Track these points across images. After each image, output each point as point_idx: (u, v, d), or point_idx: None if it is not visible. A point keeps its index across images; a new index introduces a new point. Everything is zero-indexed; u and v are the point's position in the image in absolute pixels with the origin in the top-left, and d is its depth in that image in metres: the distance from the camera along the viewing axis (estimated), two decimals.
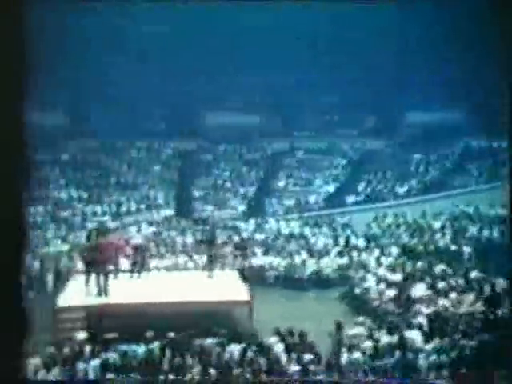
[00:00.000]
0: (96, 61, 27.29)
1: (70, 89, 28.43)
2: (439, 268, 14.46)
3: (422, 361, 9.35)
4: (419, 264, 15.12)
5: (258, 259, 17.69)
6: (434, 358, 9.36)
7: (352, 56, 27.59)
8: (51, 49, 20.79)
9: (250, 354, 9.65)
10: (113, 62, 27.69)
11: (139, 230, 20.25)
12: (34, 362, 8.94)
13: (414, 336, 9.98)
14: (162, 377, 9.14)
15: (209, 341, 10.17)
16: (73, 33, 24.68)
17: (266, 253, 18.36)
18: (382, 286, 13.65)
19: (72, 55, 25.14)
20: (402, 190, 26.38)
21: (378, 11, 26.35)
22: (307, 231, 21.00)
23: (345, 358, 9.58)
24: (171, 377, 9.15)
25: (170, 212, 24.37)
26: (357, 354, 9.60)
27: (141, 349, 9.82)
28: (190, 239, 19.56)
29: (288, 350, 9.83)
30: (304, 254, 17.86)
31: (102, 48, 26.47)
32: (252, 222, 22.74)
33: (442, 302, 11.82)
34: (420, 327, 10.44)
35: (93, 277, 12.30)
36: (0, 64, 2.37)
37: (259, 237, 20.38)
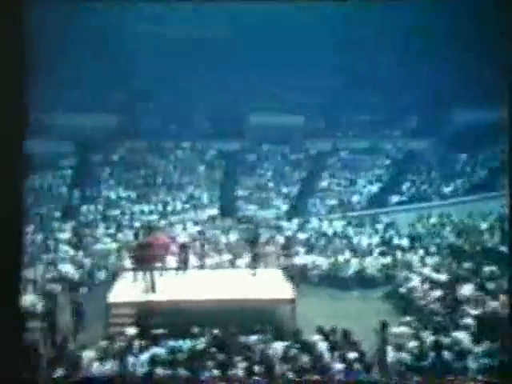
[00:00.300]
0: (134, 62, 27.87)
1: (120, 92, 29.29)
2: (487, 269, 14.17)
3: (469, 362, 9.24)
4: (466, 264, 14.87)
5: (302, 258, 17.77)
6: (481, 360, 9.23)
7: (395, 56, 27.24)
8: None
9: (293, 351, 9.76)
10: (149, 63, 28.21)
11: (185, 229, 20.68)
12: (89, 354, 9.37)
13: (461, 337, 9.87)
14: (207, 373, 9.34)
15: (253, 338, 10.33)
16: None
17: (309, 252, 18.42)
18: (428, 285, 13.50)
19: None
20: (447, 189, 25.87)
21: None
22: (350, 231, 20.93)
23: (390, 357, 9.57)
24: (217, 372, 9.34)
25: (214, 211, 24.72)
26: (402, 354, 9.57)
27: (187, 344, 10.07)
28: (233, 238, 19.82)
29: (331, 348, 9.88)
30: (347, 254, 17.84)
31: (136, 50, 26.74)
32: (295, 221, 22.82)
33: (491, 303, 11.62)
34: (467, 328, 10.31)
35: (141, 274, 12.75)
36: (0, 64, 2.52)
37: (302, 236, 20.46)
